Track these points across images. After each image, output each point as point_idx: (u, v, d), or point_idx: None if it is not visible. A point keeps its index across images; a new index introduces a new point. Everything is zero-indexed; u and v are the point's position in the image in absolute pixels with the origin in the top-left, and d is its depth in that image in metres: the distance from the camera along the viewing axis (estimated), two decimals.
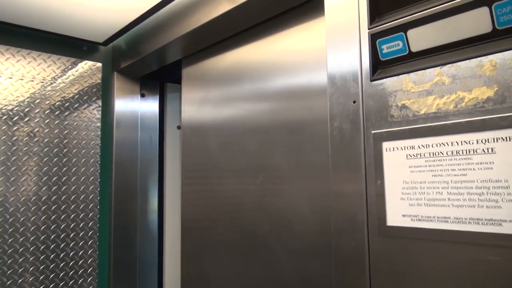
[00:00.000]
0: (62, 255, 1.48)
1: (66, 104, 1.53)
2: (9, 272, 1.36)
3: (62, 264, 1.47)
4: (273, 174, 1.11)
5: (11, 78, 1.42)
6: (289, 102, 1.08)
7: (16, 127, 1.41)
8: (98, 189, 1.58)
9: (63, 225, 1.49)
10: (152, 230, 1.71)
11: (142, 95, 1.74)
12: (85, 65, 1.60)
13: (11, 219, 1.38)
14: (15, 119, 1.41)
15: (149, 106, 1.76)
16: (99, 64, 1.64)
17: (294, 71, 1.08)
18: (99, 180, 1.58)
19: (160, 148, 1.76)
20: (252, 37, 1.22)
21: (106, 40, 1.54)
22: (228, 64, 1.30)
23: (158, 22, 1.38)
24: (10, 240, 1.37)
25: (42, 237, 1.44)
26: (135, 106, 1.71)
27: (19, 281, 1.38)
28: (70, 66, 1.56)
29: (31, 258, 1.41)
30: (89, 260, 1.54)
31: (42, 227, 1.44)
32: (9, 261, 1.36)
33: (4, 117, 1.39)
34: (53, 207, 1.47)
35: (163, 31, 1.36)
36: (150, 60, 1.52)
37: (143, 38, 1.47)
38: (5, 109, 1.40)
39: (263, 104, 1.16)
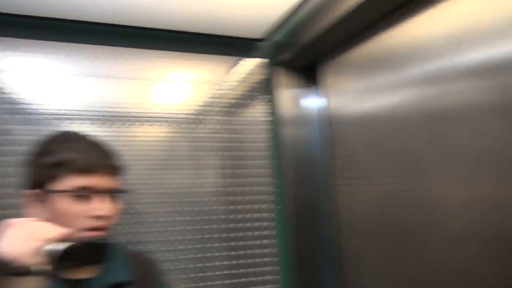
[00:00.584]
0: (242, 243, 1.56)
1: (236, 103, 1.63)
2: (202, 256, 1.51)
3: (243, 253, 1.56)
4: None
5: (188, 82, 1.60)
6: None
7: (196, 127, 1.58)
8: (271, 181, 1.61)
9: (240, 216, 1.58)
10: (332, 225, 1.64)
11: (308, 88, 1.67)
12: (248, 63, 1.67)
13: (197, 209, 1.54)
14: (194, 119, 1.58)
15: (316, 99, 1.69)
16: (262, 60, 1.67)
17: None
18: (271, 174, 1.62)
19: (330, 144, 1.67)
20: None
21: (265, 35, 1.57)
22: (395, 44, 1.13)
23: (316, 6, 1.31)
24: (198, 228, 1.53)
25: (224, 226, 1.56)
26: (301, 100, 1.66)
27: (209, 265, 1.51)
28: (234, 66, 1.65)
29: (217, 245, 1.53)
30: (269, 250, 1.58)
31: (223, 217, 1.56)
32: (200, 247, 1.51)
33: (188, 117, 1.57)
34: (231, 198, 1.58)
35: (323, 16, 1.28)
36: (311, 50, 1.46)
37: (301, 28, 1.42)
38: (187, 110, 1.59)
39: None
